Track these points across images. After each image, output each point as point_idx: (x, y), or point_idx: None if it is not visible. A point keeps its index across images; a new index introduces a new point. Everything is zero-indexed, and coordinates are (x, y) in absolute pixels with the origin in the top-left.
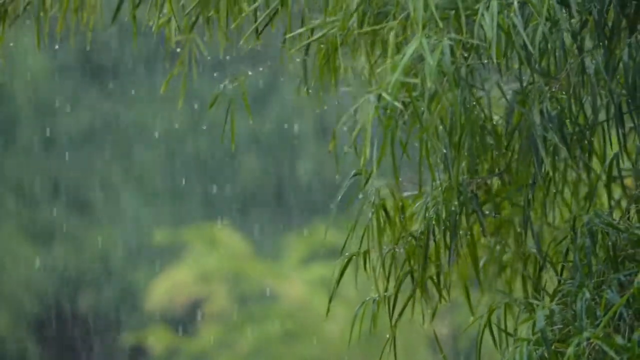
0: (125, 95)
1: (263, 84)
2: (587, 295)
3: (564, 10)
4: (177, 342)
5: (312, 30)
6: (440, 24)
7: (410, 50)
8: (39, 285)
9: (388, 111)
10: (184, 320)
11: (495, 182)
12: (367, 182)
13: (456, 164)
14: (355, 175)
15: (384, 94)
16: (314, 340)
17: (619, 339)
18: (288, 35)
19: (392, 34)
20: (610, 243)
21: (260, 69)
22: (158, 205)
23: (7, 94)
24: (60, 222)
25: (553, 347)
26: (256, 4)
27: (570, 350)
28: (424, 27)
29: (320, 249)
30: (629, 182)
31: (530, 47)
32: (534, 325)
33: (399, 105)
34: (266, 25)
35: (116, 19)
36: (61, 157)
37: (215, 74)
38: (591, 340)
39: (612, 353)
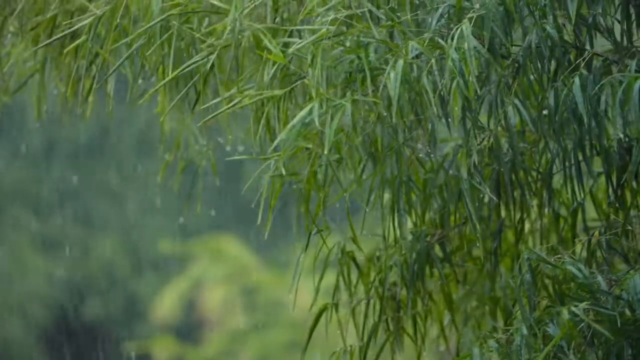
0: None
1: None
2: (524, 331)
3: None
4: (182, 350)
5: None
6: (338, 89)
7: (300, 115)
8: (47, 295)
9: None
10: (189, 329)
11: (467, 230)
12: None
13: (391, 217)
14: (317, 232)
15: (278, 163)
16: (320, 350)
17: None
18: (201, 107)
19: (278, 103)
20: (551, 279)
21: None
22: (164, 215)
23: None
24: (67, 232)
25: None
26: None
27: None
28: (319, 94)
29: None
30: None
31: (434, 106)
32: None
33: (284, 172)
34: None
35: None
36: (68, 167)
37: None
38: None
39: None
